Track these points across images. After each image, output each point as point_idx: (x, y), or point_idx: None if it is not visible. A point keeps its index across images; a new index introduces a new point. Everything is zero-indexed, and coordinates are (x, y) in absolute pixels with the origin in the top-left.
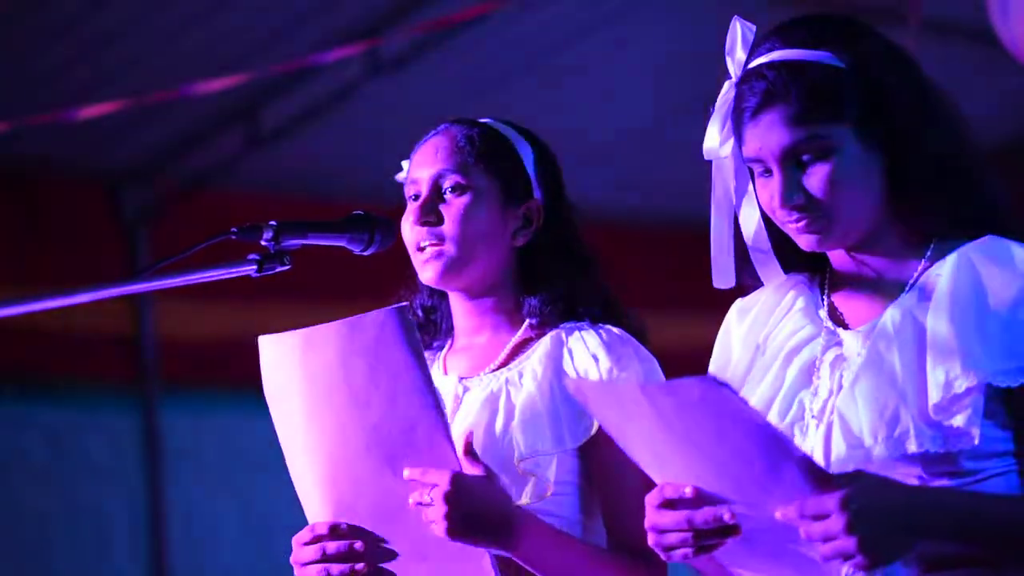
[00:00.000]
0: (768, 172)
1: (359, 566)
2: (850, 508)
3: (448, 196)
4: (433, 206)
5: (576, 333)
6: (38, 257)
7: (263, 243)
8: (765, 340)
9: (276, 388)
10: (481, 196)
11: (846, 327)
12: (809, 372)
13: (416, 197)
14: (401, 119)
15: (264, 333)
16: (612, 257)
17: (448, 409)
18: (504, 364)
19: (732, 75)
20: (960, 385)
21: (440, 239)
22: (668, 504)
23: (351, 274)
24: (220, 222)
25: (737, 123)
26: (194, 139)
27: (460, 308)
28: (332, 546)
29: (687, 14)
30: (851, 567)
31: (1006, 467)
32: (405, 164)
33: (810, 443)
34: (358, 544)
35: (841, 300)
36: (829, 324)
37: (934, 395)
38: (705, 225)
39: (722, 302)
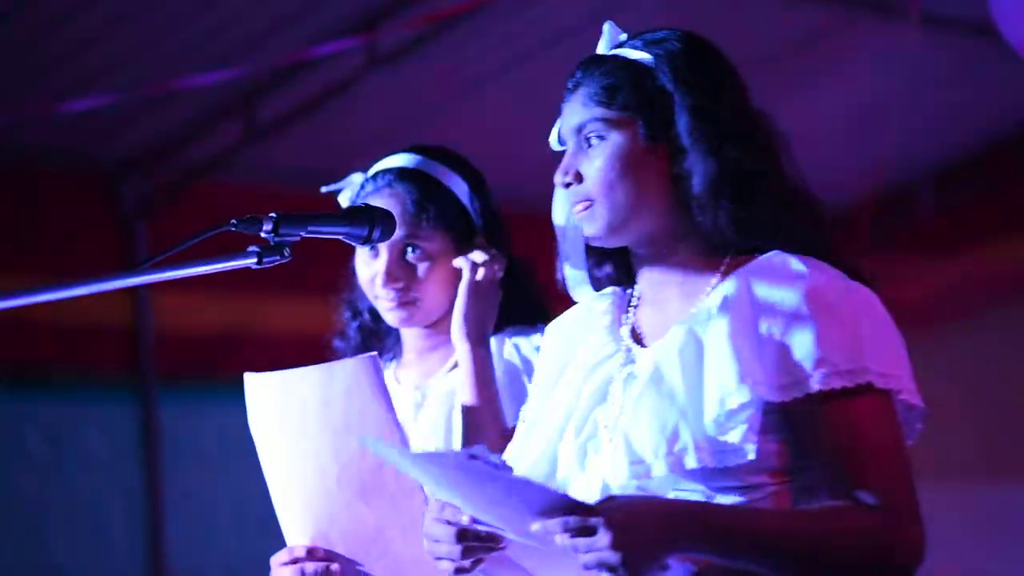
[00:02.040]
0: None
1: None
2: (614, 528)
3: (411, 259)
4: (399, 272)
5: (506, 341)
6: (35, 250)
7: (262, 235)
8: (572, 356)
9: (260, 422)
10: (438, 256)
11: (643, 345)
12: (604, 389)
13: (375, 252)
14: (398, 112)
15: (262, 326)
16: None
17: (409, 415)
18: (456, 366)
19: None
20: (734, 401)
21: (407, 292)
22: (445, 521)
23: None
24: (218, 215)
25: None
26: (192, 132)
27: (414, 333)
28: (310, 567)
29: (688, 3)
30: None
31: (785, 484)
32: (354, 179)
33: (601, 459)
34: (335, 566)
35: (643, 316)
36: (628, 342)
37: (710, 411)
38: None
39: None
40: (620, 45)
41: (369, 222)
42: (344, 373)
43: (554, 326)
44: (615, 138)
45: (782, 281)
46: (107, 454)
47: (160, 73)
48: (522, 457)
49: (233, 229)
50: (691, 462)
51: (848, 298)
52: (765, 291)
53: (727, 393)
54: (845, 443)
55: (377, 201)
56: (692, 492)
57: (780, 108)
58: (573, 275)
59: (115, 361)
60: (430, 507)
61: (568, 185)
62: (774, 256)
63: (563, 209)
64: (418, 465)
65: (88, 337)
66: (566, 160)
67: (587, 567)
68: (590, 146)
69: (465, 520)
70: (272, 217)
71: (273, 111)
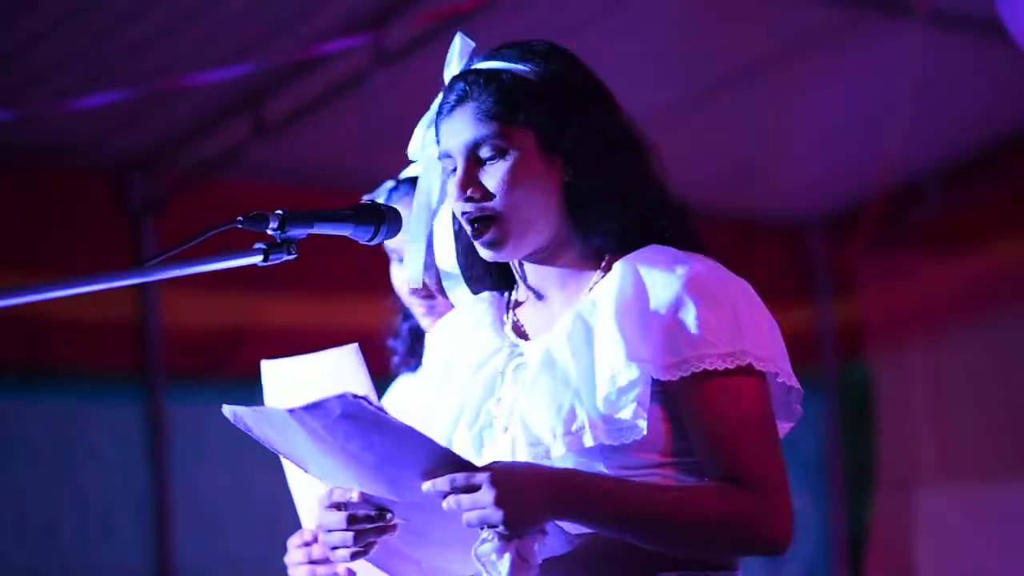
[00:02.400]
0: (456, 170)
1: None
2: (498, 485)
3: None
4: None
5: None
6: (43, 246)
7: (269, 232)
8: (457, 355)
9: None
10: None
11: (527, 339)
12: (493, 382)
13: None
14: (407, 109)
15: (270, 323)
16: None
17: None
18: None
19: (445, 83)
20: (624, 378)
21: (431, 299)
22: (335, 506)
23: (356, 264)
24: (225, 212)
25: (437, 122)
26: (200, 129)
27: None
28: (317, 550)
29: (694, 2)
30: (492, 534)
31: (679, 462)
32: (386, 185)
33: (498, 448)
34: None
35: (524, 315)
36: (512, 337)
37: (602, 389)
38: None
39: None
40: (489, 57)
41: (376, 220)
42: (351, 358)
43: (438, 327)
44: (515, 153)
45: (664, 269)
46: (114, 450)
47: (168, 70)
48: None
49: (239, 226)
50: (588, 440)
51: (727, 286)
52: (649, 278)
53: (617, 371)
54: (722, 422)
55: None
56: (589, 470)
57: (789, 106)
58: (449, 279)
59: (122, 357)
60: (320, 497)
61: (469, 200)
62: (655, 248)
63: (444, 222)
64: (299, 420)
65: (95, 333)
66: (464, 176)
67: (469, 525)
68: (487, 162)
69: (355, 497)
70: (279, 214)
71: (281, 108)
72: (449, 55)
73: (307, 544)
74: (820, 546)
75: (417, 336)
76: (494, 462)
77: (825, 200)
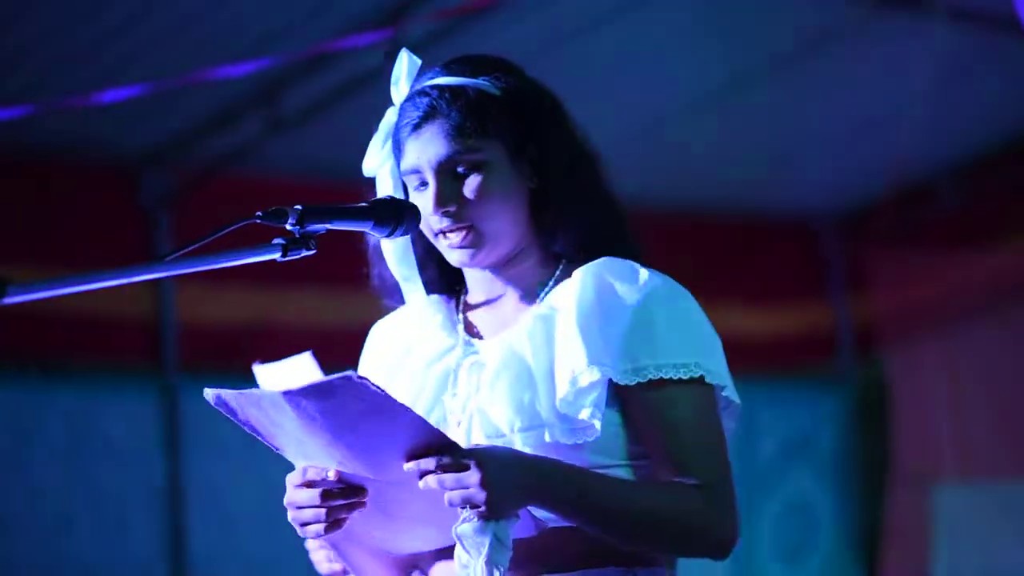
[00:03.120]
0: (425, 184)
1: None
2: (486, 466)
3: None
4: None
5: None
6: (58, 241)
7: (288, 227)
8: (405, 353)
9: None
10: None
11: (481, 338)
12: (447, 378)
13: None
14: None
15: (286, 317)
16: None
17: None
18: None
19: (394, 102)
20: (584, 379)
21: None
22: (308, 484)
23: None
24: (240, 207)
25: (398, 139)
26: (214, 124)
27: None
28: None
29: (711, 1)
30: (473, 514)
31: (628, 465)
32: None
33: (458, 441)
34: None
35: (476, 316)
36: (465, 336)
37: (562, 389)
38: (699, 213)
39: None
40: (444, 73)
41: (394, 215)
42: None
43: (378, 326)
44: (489, 168)
45: (626, 280)
46: (129, 444)
47: (183, 65)
48: None
49: (258, 221)
50: (546, 437)
51: (683, 301)
52: (609, 288)
53: (578, 372)
54: (673, 427)
55: None
56: None
57: (804, 104)
58: (405, 281)
59: (138, 352)
60: (291, 475)
61: (448, 214)
62: (614, 259)
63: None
64: (292, 402)
65: (111, 328)
66: (439, 192)
67: (451, 504)
68: (462, 176)
69: (331, 476)
70: (297, 209)
71: (297, 103)
72: (395, 73)
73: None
74: (836, 542)
75: None
76: (477, 445)
77: (840, 197)
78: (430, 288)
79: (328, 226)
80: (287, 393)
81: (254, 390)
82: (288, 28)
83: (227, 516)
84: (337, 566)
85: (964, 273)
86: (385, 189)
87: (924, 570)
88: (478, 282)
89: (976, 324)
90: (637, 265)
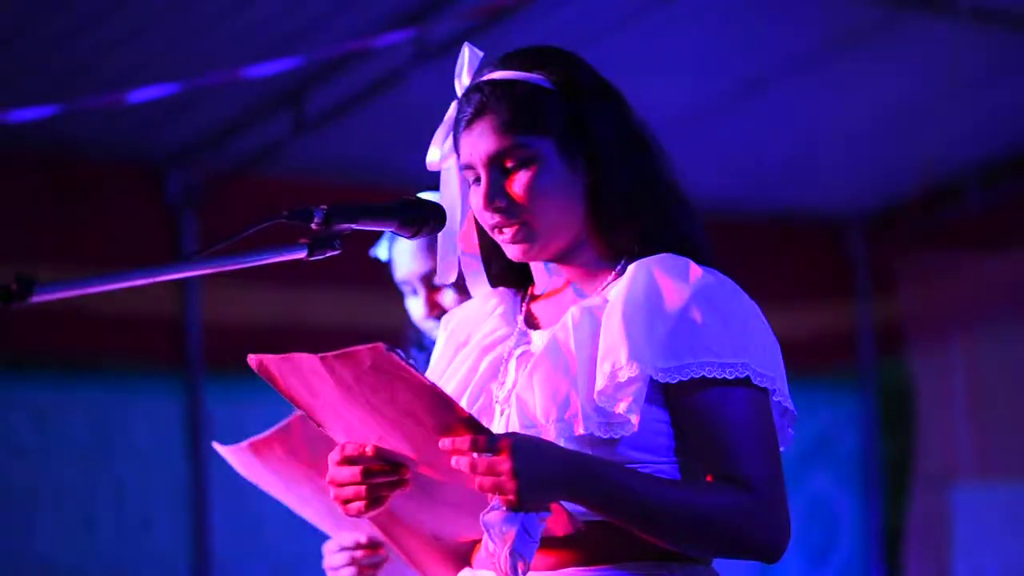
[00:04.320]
0: (478, 180)
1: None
2: (518, 455)
3: None
4: None
5: None
6: (83, 240)
7: (314, 227)
8: (467, 339)
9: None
10: None
11: (538, 330)
12: (497, 366)
13: None
14: (448, 105)
15: (309, 317)
16: None
17: None
18: None
19: (458, 95)
20: (623, 375)
21: None
22: (348, 461)
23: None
24: (265, 207)
25: (455, 134)
26: (240, 123)
27: None
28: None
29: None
30: (500, 502)
31: (668, 462)
32: None
33: (494, 428)
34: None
35: (538, 308)
36: (523, 326)
37: (600, 383)
38: (725, 212)
39: None
40: (501, 65)
41: (421, 215)
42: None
43: (450, 315)
44: (538, 161)
45: (677, 276)
46: (153, 444)
47: (210, 64)
48: None
49: (285, 221)
50: (580, 428)
51: (735, 301)
52: (661, 282)
53: (618, 367)
54: (720, 428)
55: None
56: None
57: (828, 104)
58: (470, 273)
59: (162, 351)
60: (332, 454)
61: (498, 209)
62: (668, 256)
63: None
64: (328, 368)
65: (136, 327)
66: (489, 188)
67: (482, 488)
68: (511, 171)
69: (369, 451)
70: (323, 209)
71: (322, 103)
72: (458, 66)
73: (345, 548)
74: (858, 542)
75: None
76: (513, 432)
77: (865, 197)
78: (497, 281)
79: (354, 226)
80: (324, 358)
81: (296, 355)
82: (314, 28)
83: (250, 515)
84: None
85: (988, 275)
86: (449, 184)
87: (945, 570)
88: (540, 275)
89: (999, 326)
90: (691, 262)
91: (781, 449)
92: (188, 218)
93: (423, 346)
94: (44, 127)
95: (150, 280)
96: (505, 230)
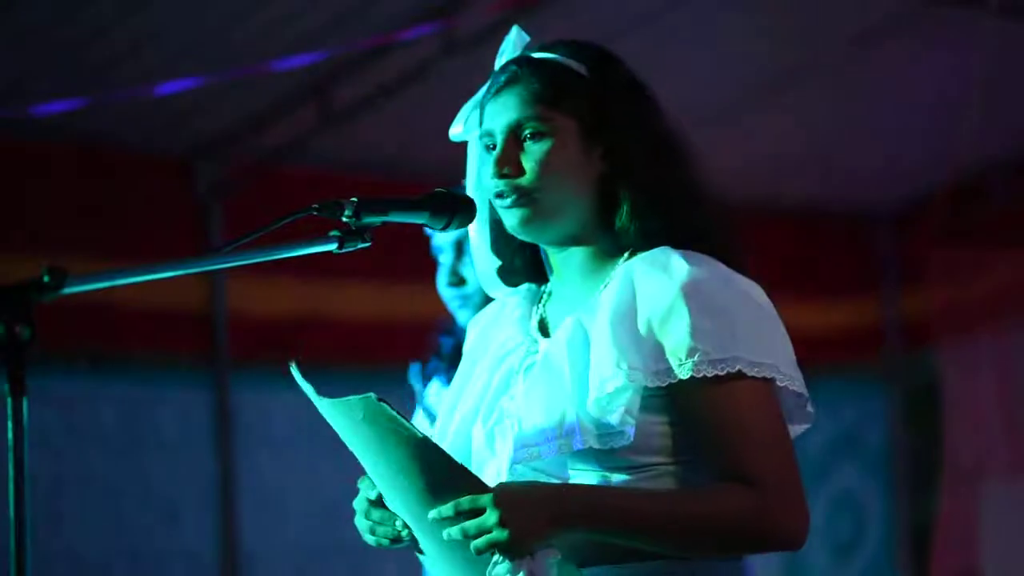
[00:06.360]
0: (494, 148)
1: None
2: (502, 507)
3: None
4: None
5: None
6: (111, 232)
7: (343, 220)
8: (484, 351)
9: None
10: None
11: (548, 336)
12: (508, 380)
13: None
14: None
15: (337, 310)
16: None
17: None
18: None
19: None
20: (612, 385)
21: None
22: (357, 502)
23: (422, 252)
24: (293, 200)
25: (483, 103)
26: (268, 116)
27: None
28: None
29: None
30: (503, 557)
31: (674, 463)
32: None
33: (504, 445)
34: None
35: (550, 311)
36: (535, 333)
37: (593, 394)
38: (754, 208)
39: None
40: (542, 50)
41: (450, 208)
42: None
43: (474, 322)
44: (556, 137)
45: (662, 274)
46: (181, 437)
47: (238, 58)
48: (441, 441)
49: (315, 213)
50: (577, 443)
51: (724, 291)
52: (646, 283)
53: (606, 377)
54: (719, 427)
55: None
56: (587, 471)
57: (857, 98)
58: (485, 273)
59: (190, 344)
60: (362, 480)
61: (504, 176)
62: (659, 252)
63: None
64: (325, 412)
65: (163, 320)
66: (502, 153)
67: (478, 550)
68: (527, 141)
69: (372, 496)
70: (353, 202)
71: (349, 96)
72: (504, 45)
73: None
74: (885, 539)
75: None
76: (498, 484)
77: (893, 191)
78: (516, 279)
79: (384, 218)
80: (321, 402)
81: (315, 396)
82: (341, 21)
83: (277, 509)
84: None
85: (1016, 269)
86: (471, 157)
87: (973, 567)
88: (552, 266)
89: None
90: (681, 256)
91: (802, 428)
92: (217, 210)
93: (442, 352)
94: (74, 120)
95: (180, 272)
96: (507, 197)
